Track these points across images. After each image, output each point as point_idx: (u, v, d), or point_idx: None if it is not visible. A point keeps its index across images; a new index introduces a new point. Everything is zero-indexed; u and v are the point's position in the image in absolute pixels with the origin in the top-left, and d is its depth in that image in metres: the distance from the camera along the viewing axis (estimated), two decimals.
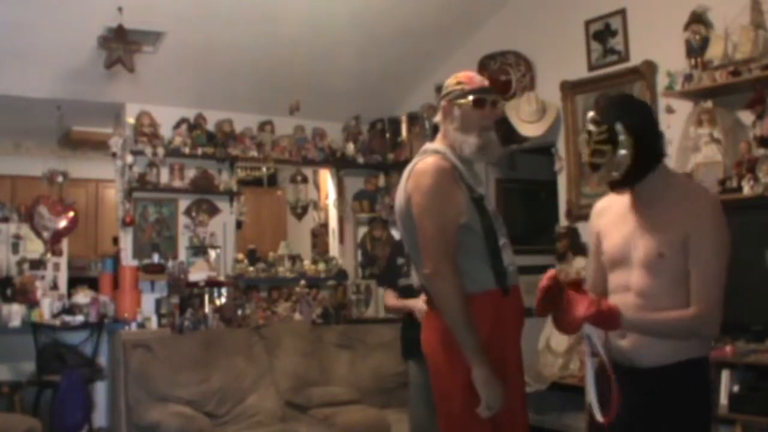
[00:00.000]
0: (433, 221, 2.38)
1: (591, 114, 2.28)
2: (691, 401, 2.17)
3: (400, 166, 6.27)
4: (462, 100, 2.51)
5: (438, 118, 2.60)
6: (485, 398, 2.28)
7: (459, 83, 2.55)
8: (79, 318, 5.36)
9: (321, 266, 6.41)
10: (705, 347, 2.26)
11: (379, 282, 4.49)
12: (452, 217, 2.39)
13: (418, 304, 3.67)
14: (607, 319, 2.06)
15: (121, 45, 4.93)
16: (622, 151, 2.16)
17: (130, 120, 5.72)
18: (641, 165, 2.18)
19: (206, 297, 5.71)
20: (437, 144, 2.56)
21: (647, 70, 4.45)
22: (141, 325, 5.36)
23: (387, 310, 4.45)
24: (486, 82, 2.60)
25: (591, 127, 2.24)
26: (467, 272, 2.38)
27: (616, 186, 2.25)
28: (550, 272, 2.13)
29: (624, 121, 2.17)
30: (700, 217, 2.15)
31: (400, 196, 2.53)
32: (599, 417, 2.10)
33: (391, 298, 4.03)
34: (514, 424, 2.42)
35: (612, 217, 2.33)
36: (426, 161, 2.47)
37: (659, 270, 2.16)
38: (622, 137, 2.16)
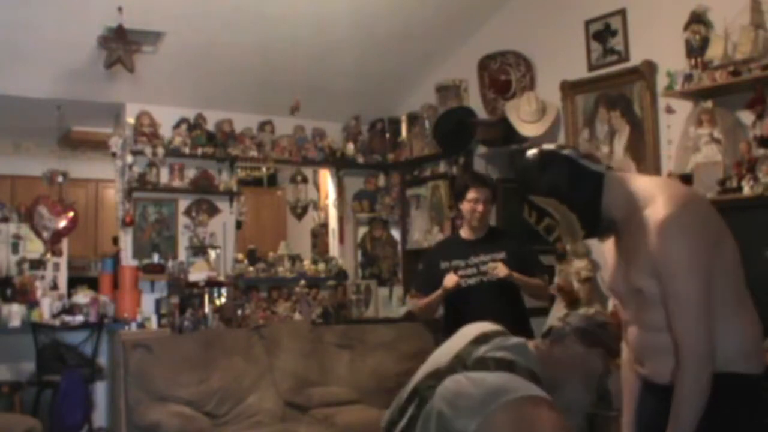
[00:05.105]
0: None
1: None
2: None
3: (400, 166, 6.28)
4: None
5: None
6: None
7: None
8: (79, 318, 5.36)
9: (321, 266, 6.41)
10: (735, 362, 1.89)
11: (415, 286, 4.36)
12: None
13: (448, 281, 3.60)
14: None
15: (121, 45, 4.93)
16: (559, 213, 2.01)
17: (130, 120, 5.72)
18: (585, 206, 2.00)
19: (206, 297, 5.70)
20: None
21: (647, 70, 4.45)
22: (141, 325, 5.35)
23: (420, 313, 4.25)
24: None
25: (525, 216, 2.11)
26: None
27: (591, 237, 2.08)
28: None
29: (533, 192, 2.04)
30: (656, 234, 1.85)
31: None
32: None
33: (419, 300, 3.90)
34: None
35: (609, 244, 2.15)
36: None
37: (648, 303, 1.93)
38: (544, 205, 2.03)
